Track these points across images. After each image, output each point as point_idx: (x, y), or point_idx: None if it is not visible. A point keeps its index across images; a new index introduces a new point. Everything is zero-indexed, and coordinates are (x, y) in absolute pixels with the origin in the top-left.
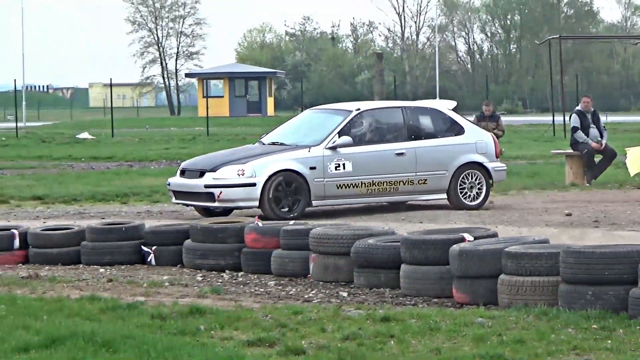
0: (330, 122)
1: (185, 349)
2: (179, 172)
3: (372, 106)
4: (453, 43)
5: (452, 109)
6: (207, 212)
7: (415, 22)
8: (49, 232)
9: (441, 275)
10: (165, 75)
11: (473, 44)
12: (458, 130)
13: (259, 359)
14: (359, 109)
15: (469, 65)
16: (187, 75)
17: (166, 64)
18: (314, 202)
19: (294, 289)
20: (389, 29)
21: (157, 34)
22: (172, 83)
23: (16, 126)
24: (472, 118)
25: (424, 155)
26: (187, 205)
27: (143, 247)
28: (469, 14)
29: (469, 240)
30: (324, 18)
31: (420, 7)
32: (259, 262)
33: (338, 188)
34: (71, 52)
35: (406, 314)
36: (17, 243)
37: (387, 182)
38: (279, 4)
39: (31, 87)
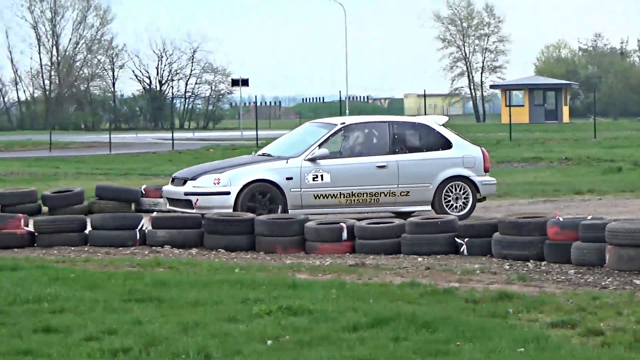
0: (316, 135)
1: (496, 329)
2: (170, 180)
3: (358, 120)
4: None
5: (443, 124)
6: None
7: None
8: (373, 225)
9: None
10: (472, 87)
11: None
12: (445, 144)
13: (562, 338)
14: (343, 123)
15: None
16: (491, 86)
17: (472, 77)
18: (291, 212)
19: (591, 277)
20: None
21: (464, 50)
22: (478, 94)
23: None
24: None
25: (407, 168)
26: (176, 211)
27: (456, 239)
28: None
29: None
30: (613, 35)
31: None
32: (560, 252)
33: (315, 198)
34: (388, 66)
35: None
36: (344, 235)
37: (367, 194)
38: (573, 22)
39: (353, 97)
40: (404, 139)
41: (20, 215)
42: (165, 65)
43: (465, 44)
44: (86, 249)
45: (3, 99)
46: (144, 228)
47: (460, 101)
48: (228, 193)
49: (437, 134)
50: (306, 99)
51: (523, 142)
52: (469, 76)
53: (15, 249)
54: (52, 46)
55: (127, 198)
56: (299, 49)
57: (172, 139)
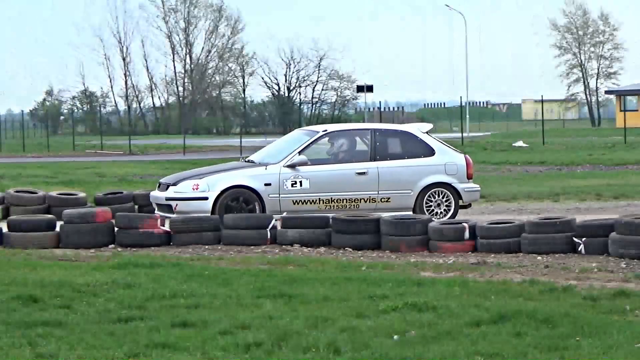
0: (299, 142)
1: (614, 325)
2: (157, 185)
3: (340, 128)
4: None
5: (427, 132)
6: None
7: None
8: (494, 225)
9: None
10: (587, 93)
11: None
12: (428, 152)
13: None
14: (325, 130)
15: None
16: (606, 92)
17: (588, 83)
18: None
19: None
20: None
21: (580, 58)
22: (593, 99)
23: (461, 136)
24: None
25: (387, 175)
26: (162, 215)
27: (574, 238)
28: None
29: None
30: None
31: None
32: None
33: (294, 204)
34: (506, 72)
35: None
36: (466, 234)
37: (347, 200)
38: None
39: (473, 103)
40: (386, 147)
41: (157, 215)
42: (293, 73)
43: (581, 51)
44: (219, 247)
45: (139, 104)
46: (274, 227)
47: (576, 106)
48: (206, 198)
49: (419, 141)
50: (428, 104)
51: (637, 145)
52: (584, 82)
53: (152, 248)
54: (186, 55)
55: None
56: (421, 55)
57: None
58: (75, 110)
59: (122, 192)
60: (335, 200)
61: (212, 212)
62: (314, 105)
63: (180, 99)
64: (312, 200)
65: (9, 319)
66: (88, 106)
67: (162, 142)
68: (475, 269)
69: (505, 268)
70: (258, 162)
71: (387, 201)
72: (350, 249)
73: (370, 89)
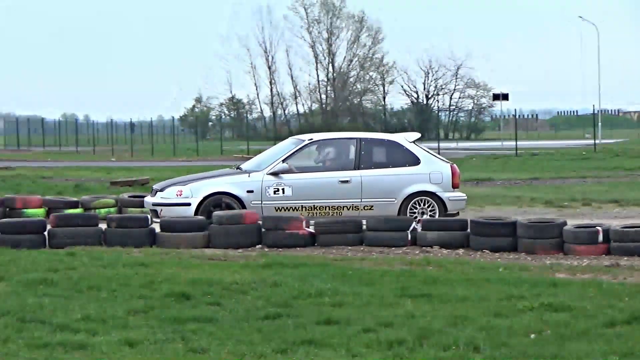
0: (287, 150)
1: None
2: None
3: (326, 137)
4: None
5: (414, 141)
6: None
7: None
8: (627, 229)
9: None
10: None
11: None
12: (413, 161)
13: None
14: (311, 139)
15: None
16: None
17: None
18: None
19: None
20: None
21: None
22: None
23: (594, 143)
24: None
25: (370, 184)
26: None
27: None
28: None
29: None
30: None
31: None
32: None
33: (277, 210)
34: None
35: None
36: (600, 237)
37: (329, 207)
38: None
39: (605, 111)
40: (371, 155)
41: (302, 217)
42: (431, 81)
43: None
44: (362, 248)
45: (284, 111)
46: (414, 230)
47: None
48: (189, 204)
49: (405, 150)
50: (560, 112)
51: None
52: None
53: (297, 248)
54: (328, 64)
55: None
56: (553, 64)
57: (438, 149)
58: (223, 117)
59: None
60: (317, 208)
61: None
62: (451, 113)
63: (323, 106)
64: (294, 207)
65: (163, 315)
66: (235, 112)
67: None
68: (609, 271)
69: (638, 270)
70: (245, 169)
71: (370, 209)
72: (487, 251)
73: (505, 97)
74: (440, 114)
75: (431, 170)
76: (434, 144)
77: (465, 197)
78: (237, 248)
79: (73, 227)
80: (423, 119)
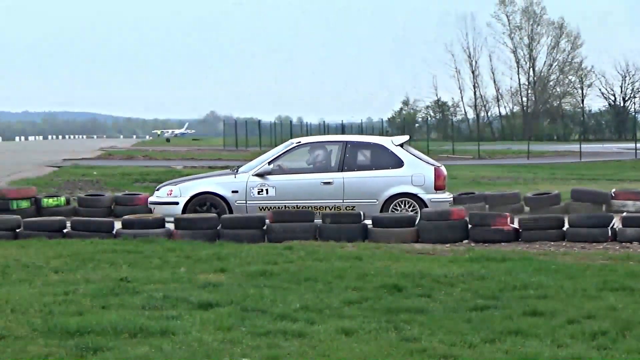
0: (275, 152)
1: None
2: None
3: (314, 140)
4: None
5: (401, 144)
6: None
7: None
8: None
9: None
10: None
11: None
12: (396, 163)
13: None
14: (299, 142)
15: None
16: None
17: None
18: None
19: None
20: None
21: None
22: None
23: None
24: None
25: (352, 185)
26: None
27: None
28: None
29: None
30: None
31: None
32: None
33: (260, 210)
34: None
35: None
36: None
37: (312, 207)
38: None
39: None
40: (355, 158)
41: (507, 213)
42: (628, 84)
43: None
44: (564, 244)
45: (486, 113)
46: (615, 226)
47: None
48: (177, 203)
49: (390, 153)
50: None
51: None
52: None
53: (502, 243)
54: (529, 68)
55: (598, 200)
56: None
57: (635, 149)
58: (429, 119)
59: (474, 193)
60: (300, 208)
61: None
62: None
63: (524, 108)
64: (277, 208)
65: (376, 306)
66: (440, 115)
67: (507, 148)
68: None
69: None
70: (236, 170)
71: (352, 209)
72: None
73: None
74: (637, 115)
75: (414, 172)
76: (631, 144)
77: (451, 199)
78: (445, 243)
79: (289, 223)
80: (620, 120)
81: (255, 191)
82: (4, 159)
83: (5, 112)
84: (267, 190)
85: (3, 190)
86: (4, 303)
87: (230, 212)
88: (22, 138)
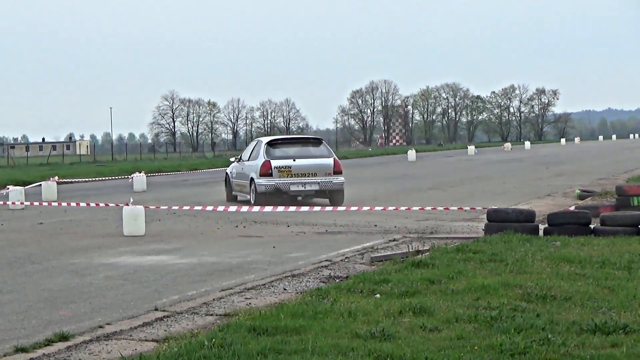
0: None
1: None
2: None
3: (271, 139)
4: None
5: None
6: None
7: None
8: None
9: None
10: None
11: None
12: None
13: None
14: (258, 140)
15: None
16: None
17: None
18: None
19: None
20: None
21: None
22: None
23: None
24: None
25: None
26: None
27: None
28: None
29: None
30: None
31: None
32: None
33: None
34: None
35: None
36: None
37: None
38: None
39: None
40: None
41: None
42: None
43: None
44: None
45: None
46: None
47: None
48: None
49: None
50: None
51: None
52: None
53: None
54: None
55: None
56: None
57: None
58: None
59: None
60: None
61: None
62: None
63: None
64: (238, 184)
65: None
66: None
67: None
68: None
69: None
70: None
71: None
72: None
73: None
74: None
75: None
76: None
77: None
78: None
79: None
80: None
81: (234, 173)
82: (622, 158)
83: (617, 110)
84: (232, 173)
85: (624, 187)
86: (632, 298)
87: (230, 185)
88: (636, 135)
